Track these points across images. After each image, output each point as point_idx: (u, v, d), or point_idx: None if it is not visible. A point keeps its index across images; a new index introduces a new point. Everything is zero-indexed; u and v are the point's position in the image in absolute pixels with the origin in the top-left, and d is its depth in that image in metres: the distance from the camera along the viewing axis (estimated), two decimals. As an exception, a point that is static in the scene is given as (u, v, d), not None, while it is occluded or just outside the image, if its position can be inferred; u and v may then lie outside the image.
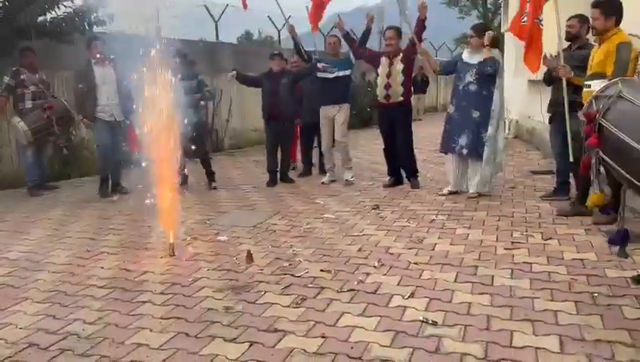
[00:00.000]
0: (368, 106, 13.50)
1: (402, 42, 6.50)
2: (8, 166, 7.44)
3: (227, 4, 11.77)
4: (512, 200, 5.76)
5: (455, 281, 3.47)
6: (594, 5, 4.48)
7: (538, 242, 4.26)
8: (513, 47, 11.20)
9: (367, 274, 3.65)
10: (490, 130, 5.70)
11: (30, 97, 6.61)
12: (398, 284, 3.44)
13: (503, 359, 2.50)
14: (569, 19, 5.23)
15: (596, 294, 3.18)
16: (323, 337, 2.76)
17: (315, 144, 7.73)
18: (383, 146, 6.75)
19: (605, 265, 3.67)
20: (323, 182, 7.02)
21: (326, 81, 6.86)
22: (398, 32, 6.49)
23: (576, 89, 4.84)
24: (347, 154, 7.06)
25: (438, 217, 5.12)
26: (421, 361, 2.52)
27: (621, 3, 4.41)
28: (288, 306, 3.15)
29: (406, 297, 3.22)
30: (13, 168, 7.42)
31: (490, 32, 5.83)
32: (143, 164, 4.17)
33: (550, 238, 4.33)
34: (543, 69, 5.60)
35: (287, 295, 3.33)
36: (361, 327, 2.85)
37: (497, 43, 5.93)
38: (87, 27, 7.40)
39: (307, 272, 3.71)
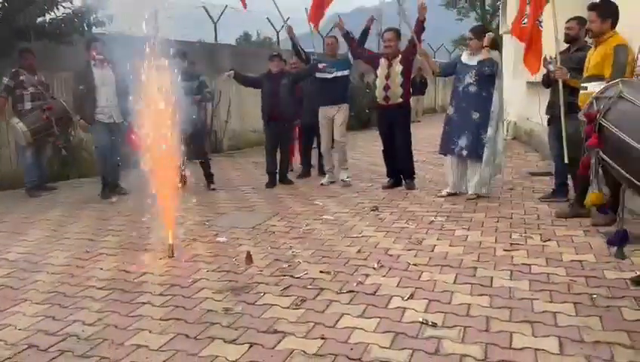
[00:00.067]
0: (367, 107, 13.52)
1: (401, 44, 6.52)
2: (7, 167, 7.43)
3: (226, 6, 11.78)
4: (511, 201, 5.77)
5: (454, 283, 3.48)
6: (590, 8, 4.53)
7: (537, 243, 4.26)
8: (512, 49, 11.22)
9: (367, 275, 3.65)
10: (490, 131, 5.71)
11: (29, 98, 6.61)
12: (397, 286, 3.45)
13: (503, 360, 2.50)
14: (568, 21, 5.25)
15: (595, 295, 3.19)
16: (323, 338, 2.76)
17: (315, 145, 7.73)
18: (382, 148, 6.76)
19: (604, 266, 3.68)
20: (322, 184, 7.02)
21: (325, 82, 6.87)
22: (397, 33, 6.51)
23: (572, 91, 4.86)
24: (344, 154, 7.07)
25: (437, 218, 5.12)
26: (421, 362, 2.52)
27: (617, 6, 4.45)
28: (288, 307, 3.15)
29: (405, 298, 3.23)
30: (12, 169, 7.41)
31: (489, 33, 5.85)
32: (142, 165, 4.17)
33: (549, 240, 4.34)
34: (543, 70, 5.62)
35: (287, 296, 3.33)
36: (361, 328, 2.85)
37: (497, 45, 5.95)
38: (86, 28, 7.40)
39: (306, 273, 3.71)
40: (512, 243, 4.27)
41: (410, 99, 6.79)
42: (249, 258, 3.99)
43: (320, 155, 7.53)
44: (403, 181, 6.67)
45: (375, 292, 3.35)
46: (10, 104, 6.69)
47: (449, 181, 6.14)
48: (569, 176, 5.44)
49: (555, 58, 5.17)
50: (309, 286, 3.48)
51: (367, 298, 3.26)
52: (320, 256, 4.09)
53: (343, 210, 5.61)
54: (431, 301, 3.18)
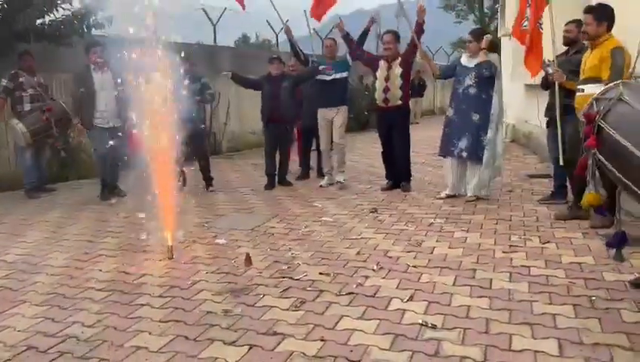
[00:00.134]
0: (366, 109, 13.52)
1: (400, 46, 6.53)
2: (6, 168, 7.42)
3: (225, 8, 11.79)
4: (510, 203, 5.78)
5: (454, 284, 3.48)
6: (586, 11, 4.56)
7: (536, 245, 4.27)
8: (510, 52, 11.25)
9: (366, 277, 3.65)
10: (490, 133, 5.73)
11: (28, 100, 6.61)
12: (397, 287, 3.45)
13: (502, 362, 2.51)
14: (567, 24, 5.28)
15: (594, 298, 3.19)
16: (322, 340, 2.76)
17: (314, 147, 7.74)
18: (381, 150, 6.77)
19: (603, 268, 3.68)
20: (321, 185, 7.02)
21: (324, 84, 6.88)
22: (396, 36, 6.53)
23: (569, 93, 4.88)
24: (343, 156, 7.07)
25: (436, 220, 5.13)
26: (420, 364, 2.52)
27: (613, 9, 4.48)
28: (287, 309, 3.15)
29: (405, 300, 3.23)
30: (11, 170, 7.40)
31: (488, 35, 5.86)
32: (142, 167, 4.16)
33: (548, 242, 4.34)
34: (542, 72, 5.64)
35: (286, 298, 3.33)
36: (361, 330, 2.85)
37: (495, 47, 5.96)
38: (85, 30, 7.39)
39: (306, 275, 3.71)
40: (511, 246, 4.28)
41: (409, 101, 6.79)
42: (248, 260, 3.99)
43: (319, 157, 7.54)
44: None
45: (375, 294, 3.35)
46: (9, 105, 6.68)
47: (448, 183, 6.15)
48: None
49: (554, 61, 5.19)
50: (309, 288, 3.48)
51: (366, 299, 3.26)
52: (319, 258, 4.10)
53: (342, 211, 5.61)
54: (430, 303, 3.19)
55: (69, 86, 7.09)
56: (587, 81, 4.49)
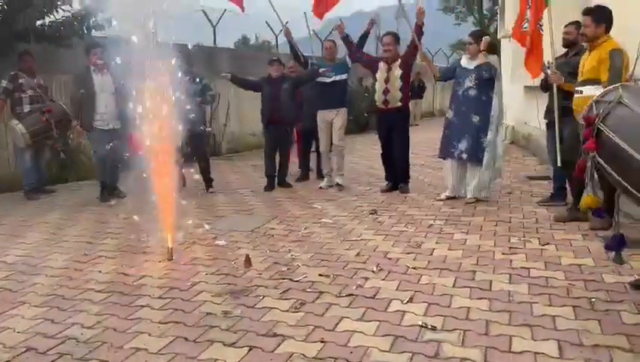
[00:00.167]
0: (366, 111, 13.54)
1: (400, 48, 6.53)
2: (5, 169, 7.42)
3: (225, 9, 11.79)
4: (510, 205, 5.78)
5: (454, 286, 3.48)
6: (585, 12, 4.58)
7: (536, 247, 4.27)
8: (509, 54, 11.26)
9: (366, 278, 3.65)
10: (490, 135, 5.73)
11: (28, 102, 6.60)
12: (396, 289, 3.45)
13: (502, 364, 2.51)
14: (566, 25, 5.29)
15: (594, 299, 3.19)
16: (322, 342, 2.76)
17: (313, 148, 7.74)
18: (381, 151, 6.77)
19: (603, 270, 3.68)
20: (321, 187, 7.02)
21: (323, 86, 6.88)
22: (396, 37, 6.53)
23: (567, 95, 4.90)
24: (342, 158, 7.08)
25: (435, 222, 5.13)
26: (420, 366, 2.52)
27: (611, 11, 4.50)
28: (287, 311, 3.15)
29: (405, 302, 3.23)
30: (11, 172, 7.40)
31: (486, 37, 5.87)
32: (141, 169, 4.16)
33: (548, 243, 4.35)
34: (542, 74, 5.65)
35: (286, 299, 3.33)
36: (360, 332, 2.85)
37: (495, 49, 5.97)
38: (85, 32, 7.39)
39: (306, 277, 3.71)
40: (510, 247, 4.28)
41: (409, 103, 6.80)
42: (248, 261, 3.99)
43: (318, 159, 7.54)
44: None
45: (374, 295, 3.35)
46: (8, 107, 6.68)
47: (448, 184, 6.15)
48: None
49: (553, 63, 5.20)
50: (309, 290, 3.47)
51: (366, 301, 3.26)
52: (319, 260, 4.09)
53: (342, 213, 5.62)
54: (430, 304, 3.18)
55: (68, 87, 7.09)
56: (585, 82, 4.50)
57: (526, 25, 6.00)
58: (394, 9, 6.89)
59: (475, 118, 5.74)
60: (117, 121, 6.30)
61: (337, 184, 6.94)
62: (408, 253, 4.19)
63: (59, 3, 7.15)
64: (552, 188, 5.82)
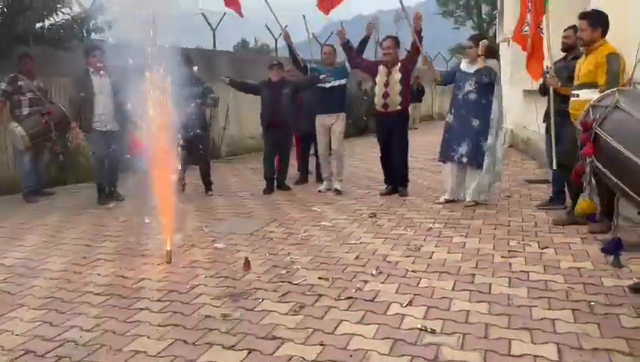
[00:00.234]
0: (365, 115, 13.55)
1: (400, 52, 6.55)
2: (4, 172, 7.41)
3: (225, 13, 11.80)
4: (509, 209, 5.78)
5: (453, 289, 3.48)
6: (581, 17, 4.60)
7: (535, 251, 4.27)
8: (509, 58, 11.30)
9: (365, 281, 3.65)
10: (490, 139, 5.75)
11: (27, 104, 6.60)
12: (396, 292, 3.45)
13: (502, 367, 2.51)
14: (565, 29, 5.31)
15: (593, 303, 3.19)
16: (322, 345, 2.75)
17: (312, 152, 7.74)
18: (380, 154, 6.77)
19: (602, 273, 3.69)
20: (320, 190, 7.02)
21: (323, 91, 6.88)
22: (396, 41, 6.54)
23: (565, 99, 4.91)
24: (342, 163, 7.08)
25: (435, 225, 5.13)
26: (420, 369, 2.52)
27: (607, 15, 4.52)
28: (286, 314, 3.15)
29: (404, 305, 3.23)
30: (10, 174, 7.38)
31: (484, 40, 5.88)
32: (141, 171, 4.17)
33: (547, 247, 4.35)
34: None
35: (285, 302, 3.32)
36: (360, 335, 2.85)
37: (494, 53, 5.99)
38: (85, 34, 7.40)
39: (305, 280, 3.71)
40: (509, 251, 4.28)
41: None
42: (247, 264, 3.99)
43: (317, 162, 7.54)
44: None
45: (374, 298, 3.35)
46: (7, 109, 6.67)
47: (447, 188, 6.15)
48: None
49: (551, 68, 5.22)
50: (308, 293, 3.47)
51: (365, 304, 3.26)
52: (318, 263, 4.09)
53: (341, 216, 5.61)
54: (430, 307, 3.18)
55: (68, 90, 7.09)
56: (582, 86, 4.52)
57: (526, 28, 6.02)
58: (393, 13, 6.90)
59: (475, 122, 5.75)
60: (115, 123, 6.30)
61: (336, 189, 6.94)
62: (407, 256, 4.19)
63: (59, 6, 7.17)
64: (551, 192, 5.83)
